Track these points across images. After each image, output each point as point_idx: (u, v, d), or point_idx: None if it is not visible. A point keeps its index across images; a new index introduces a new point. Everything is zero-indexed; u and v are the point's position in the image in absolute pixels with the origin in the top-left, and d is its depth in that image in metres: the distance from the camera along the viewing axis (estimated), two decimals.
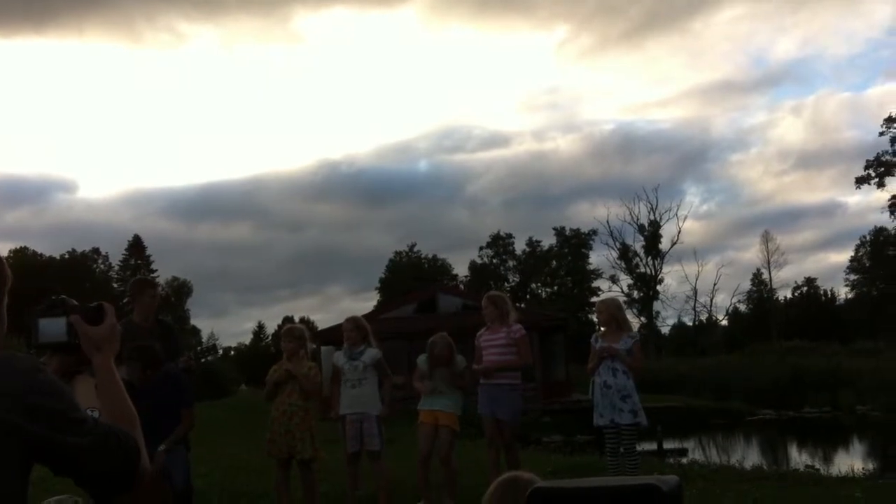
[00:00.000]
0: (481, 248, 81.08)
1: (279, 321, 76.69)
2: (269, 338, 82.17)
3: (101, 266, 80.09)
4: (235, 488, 9.20)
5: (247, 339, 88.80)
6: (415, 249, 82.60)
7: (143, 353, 6.46)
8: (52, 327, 2.13)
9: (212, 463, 11.48)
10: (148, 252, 79.63)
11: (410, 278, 70.75)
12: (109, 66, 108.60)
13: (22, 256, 71.81)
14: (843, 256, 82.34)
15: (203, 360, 66.60)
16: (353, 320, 8.09)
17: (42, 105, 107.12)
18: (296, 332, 7.86)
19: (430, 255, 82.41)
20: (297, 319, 68.60)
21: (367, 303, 76.17)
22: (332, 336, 19.61)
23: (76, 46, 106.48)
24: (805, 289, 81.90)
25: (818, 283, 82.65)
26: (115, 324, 2.17)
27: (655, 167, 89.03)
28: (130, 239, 79.33)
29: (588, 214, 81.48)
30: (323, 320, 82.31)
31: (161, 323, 7.47)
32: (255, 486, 9.13)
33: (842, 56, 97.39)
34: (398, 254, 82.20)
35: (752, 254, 79.18)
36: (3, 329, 2.06)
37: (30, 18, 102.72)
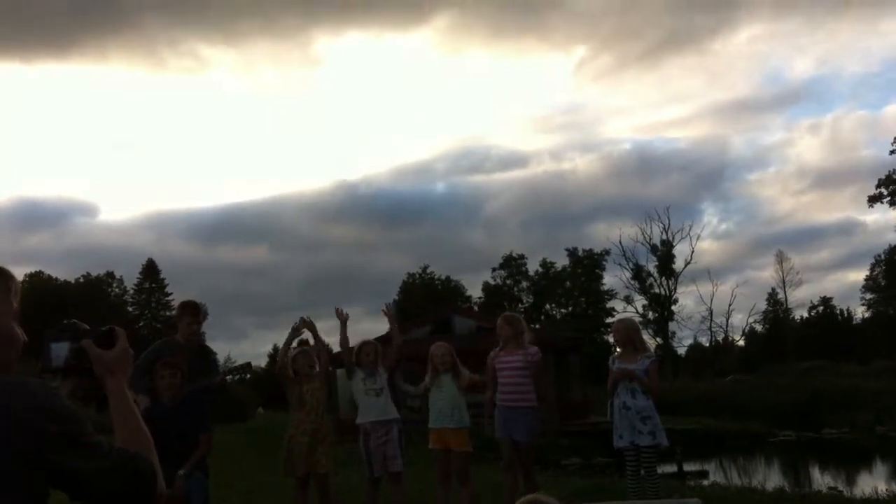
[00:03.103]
0: (494, 270, 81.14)
1: (295, 344, 76.67)
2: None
3: (116, 290, 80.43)
4: None
5: (263, 362, 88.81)
6: (427, 271, 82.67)
7: (178, 367, 6.64)
8: (62, 352, 2.12)
9: (230, 487, 11.43)
10: (163, 275, 80.00)
11: (423, 300, 70.75)
12: (131, 91, 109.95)
13: (37, 280, 72.22)
14: (860, 275, 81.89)
15: (235, 377, 66.60)
16: (370, 344, 8.18)
17: (64, 129, 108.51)
18: (309, 353, 8.10)
19: (443, 277, 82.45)
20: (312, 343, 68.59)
21: (382, 325, 76.10)
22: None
23: (98, 72, 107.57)
24: (821, 308, 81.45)
25: (834, 302, 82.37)
26: (126, 348, 2.16)
27: (673, 186, 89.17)
28: (144, 262, 79.76)
29: (607, 234, 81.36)
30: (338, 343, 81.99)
31: (202, 347, 7.60)
32: None
33: (859, 75, 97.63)
34: (411, 275, 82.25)
35: (769, 273, 78.92)
36: (18, 347, 2.04)
37: (53, 45, 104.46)
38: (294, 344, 8.20)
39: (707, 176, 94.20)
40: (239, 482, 12.66)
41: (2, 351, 1.99)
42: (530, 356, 7.95)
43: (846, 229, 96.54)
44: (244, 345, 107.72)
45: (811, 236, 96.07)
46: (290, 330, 8.03)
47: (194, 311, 7.47)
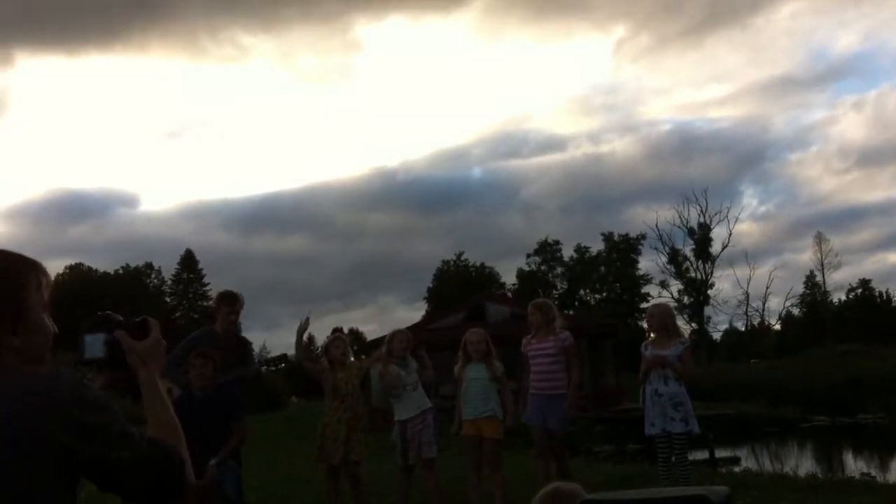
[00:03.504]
0: (528, 256, 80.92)
1: (329, 332, 77.16)
2: (319, 349, 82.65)
3: (155, 280, 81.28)
4: (287, 500, 9.28)
5: None
6: (462, 258, 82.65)
7: (211, 358, 6.76)
8: (96, 344, 2.15)
9: (263, 475, 11.58)
10: (200, 266, 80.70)
11: (458, 287, 70.77)
12: (172, 81, 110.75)
13: (77, 272, 73.16)
14: None
15: (270, 368, 67.21)
16: (402, 332, 8.27)
17: (105, 120, 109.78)
18: (344, 340, 8.29)
19: (477, 264, 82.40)
20: (346, 331, 69.00)
21: (417, 312, 76.34)
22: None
23: (140, 62, 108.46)
24: (860, 291, 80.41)
25: (874, 284, 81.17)
26: (159, 338, 2.19)
27: (713, 168, 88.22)
28: (183, 253, 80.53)
29: (644, 218, 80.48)
30: (372, 331, 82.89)
31: (239, 338, 7.75)
32: (305, 498, 9.20)
33: None
34: (446, 262, 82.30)
35: (807, 256, 77.96)
36: (49, 338, 2.08)
37: (95, 37, 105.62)
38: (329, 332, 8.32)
39: (747, 156, 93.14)
40: (272, 471, 12.83)
41: (34, 343, 2.02)
42: (562, 342, 7.97)
43: (888, 209, 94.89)
44: (279, 334, 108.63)
45: (852, 217, 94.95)
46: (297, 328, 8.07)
47: (232, 302, 7.59)
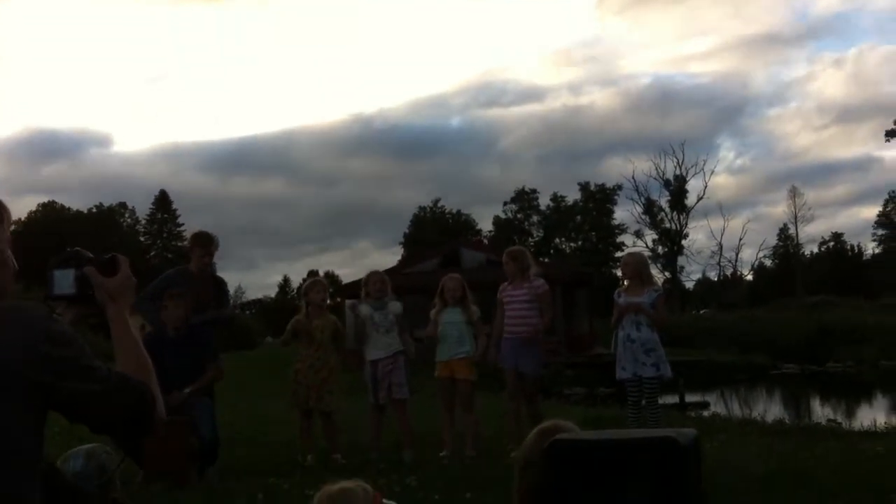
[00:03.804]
0: (505, 204, 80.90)
1: (305, 275, 77.17)
2: (294, 292, 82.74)
3: (129, 220, 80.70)
4: (260, 437, 9.34)
5: (273, 293, 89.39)
6: (439, 205, 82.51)
7: (184, 298, 6.78)
8: (65, 279, 2.14)
9: (237, 413, 11.65)
10: (175, 206, 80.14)
11: (434, 233, 70.77)
12: (147, 22, 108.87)
13: (50, 210, 72.47)
14: (873, 212, 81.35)
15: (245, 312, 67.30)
16: (376, 274, 8.30)
17: (79, 59, 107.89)
18: (323, 284, 8.31)
19: (454, 211, 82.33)
20: (322, 273, 68.96)
21: (393, 257, 76.38)
22: (357, 290, 19.65)
23: (114, 2, 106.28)
24: (832, 244, 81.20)
25: (846, 238, 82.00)
26: (129, 275, 2.19)
27: (692, 122, 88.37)
28: (157, 194, 79.88)
29: (622, 169, 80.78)
30: (348, 275, 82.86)
31: (214, 277, 7.68)
32: (279, 436, 9.27)
33: (884, 9, 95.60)
34: (422, 209, 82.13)
35: (781, 209, 78.47)
36: (11, 272, 2.07)
37: None
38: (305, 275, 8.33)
39: (726, 111, 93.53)
40: (245, 409, 12.90)
41: None
42: (536, 289, 8.01)
43: (863, 165, 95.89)
44: (255, 275, 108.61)
45: (827, 172, 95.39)
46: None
47: (206, 244, 7.53)
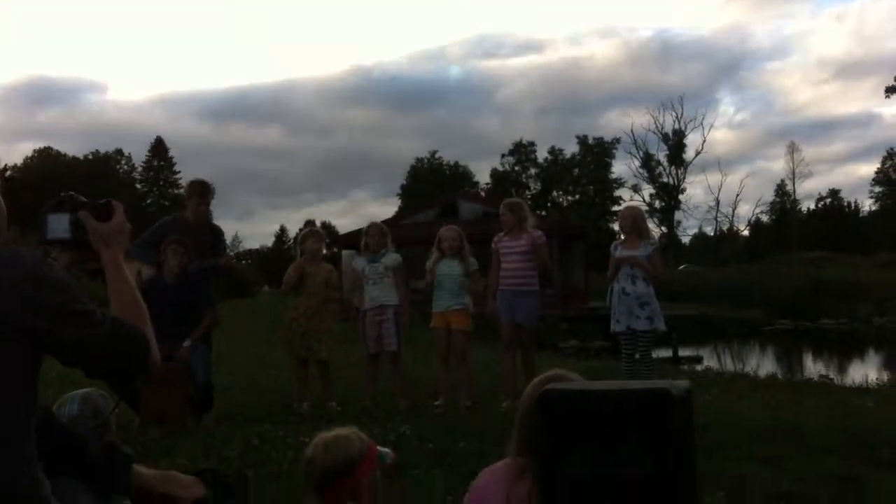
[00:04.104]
0: (503, 156, 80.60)
1: (302, 225, 77.14)
2: (291, 241, 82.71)
3: (125, 167, 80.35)
4: (255, 385, 9.39)
5: (269, 242, 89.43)
6: (436, 156, 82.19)
7: (182, 246, 6.77)
8: (60, 224, 2.13)
9: (233, 361, 11.69)
10: (171, 154, 79.81)
11: (432, 185, 70.58)
12: None
13: (46, 156, 72.09)
14: (871, 168, 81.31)
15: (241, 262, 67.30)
16: (376, 225, 8.28)
17: (76, 6, 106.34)
18: (320, 234, 8.37)
19: (451, 162, 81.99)
20: (319, 224, 68.87)
21: (390, 208, 76.28)
22: (354, 241, 19.66)
23: None
24: (829, 200, 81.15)
25: (843, 194, 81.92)
26: (123, 221, 2.18)
27: (691, 75, 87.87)
28: (153, 141, 79.47)
29: (620, 122, 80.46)
30: (344, 225, 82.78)
31: (211, 225, 7.67)
32: (274, 383, 9.32)
33: None
34: (419, 160, 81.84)
35: (779, 165, 78.35)
36: (2, 218, 2.06)
37: None
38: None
39: (726, 65, 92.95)
40: (241, 356, 12.96)
41: None
42: (533, 240, 8.00)
43: (862, 122, 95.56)
44: (251, 223, 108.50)
45: (826, 128, 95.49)
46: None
47: (203, 192, 7.49)
